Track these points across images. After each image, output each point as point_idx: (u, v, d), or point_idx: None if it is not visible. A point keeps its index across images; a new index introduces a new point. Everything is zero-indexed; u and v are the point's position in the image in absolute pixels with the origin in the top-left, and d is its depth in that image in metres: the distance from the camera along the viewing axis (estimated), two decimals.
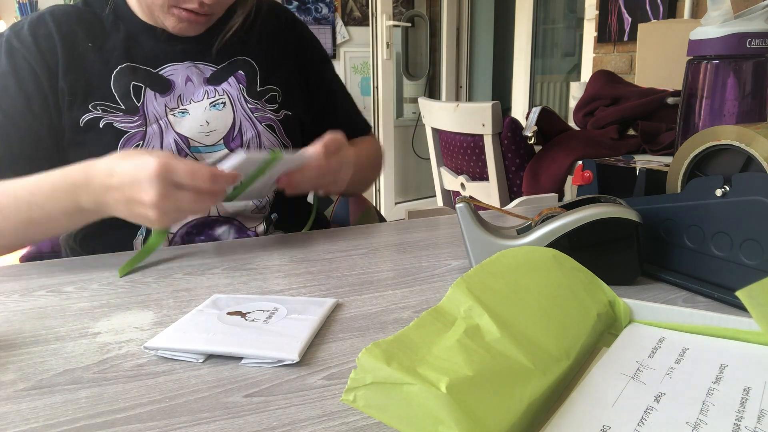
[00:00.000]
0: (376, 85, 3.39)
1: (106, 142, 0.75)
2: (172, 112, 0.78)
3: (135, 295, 0.54)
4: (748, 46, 0.61)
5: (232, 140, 0.80)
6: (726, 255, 0.50)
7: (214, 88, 0.81)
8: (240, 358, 0.40)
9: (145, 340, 0.43)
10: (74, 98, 0.75)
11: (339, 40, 3.68)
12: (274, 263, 0.63)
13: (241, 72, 0.83)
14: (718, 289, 0.50)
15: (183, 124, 0.78)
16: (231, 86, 0.82)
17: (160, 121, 0.77)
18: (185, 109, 0.79)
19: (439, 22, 3.91)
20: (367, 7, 3.53)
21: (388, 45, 3.31)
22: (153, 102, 0.77)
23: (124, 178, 0.58)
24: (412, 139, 3.89)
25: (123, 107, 0.76)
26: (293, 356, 0.40)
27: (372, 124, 3.44)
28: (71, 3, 0.82)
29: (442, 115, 1.97)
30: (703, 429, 0.28)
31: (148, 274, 0.60)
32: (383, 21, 3.30)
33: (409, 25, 3.89)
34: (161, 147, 0.76)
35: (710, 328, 0.38)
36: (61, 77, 0.75)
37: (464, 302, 0.34)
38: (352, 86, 3.67)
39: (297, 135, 0.88)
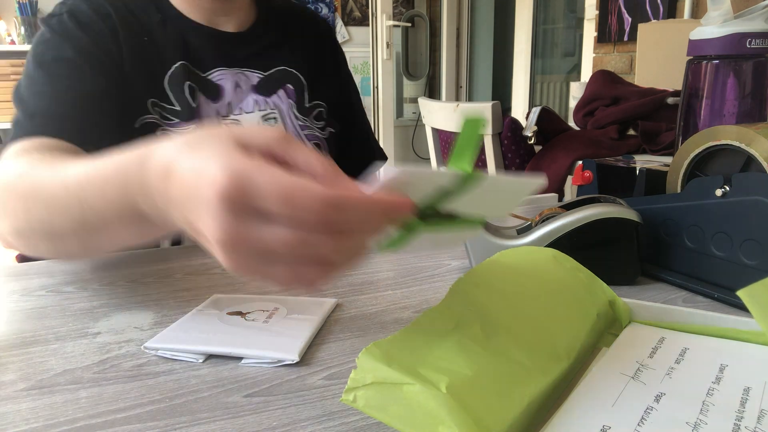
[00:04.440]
0: (376, 85, 3.39)
1: None
2: (224, 122, 0.75)
3: (135, 295, 0.54)
4: (748, 46, 0.61)
5: None
6: (726, 255, 0.50)
7: (264, 100, 0.78)
8: (240, 358, 0.40)
9: (145, 340, 0.43)
10: (134, 88, 0.70)
11: (339, 40, 3.67)
12: None
13: (290, 86, 0.81)
14: (718, 289, 0.50)
15: None
16: (281, 101, 0.79)
17: None
18: (237, 121, 0.76)
19: (439, 22, 3.91)
20: (367, 7, 3.53)
21: (388, 45, 3.31)
22: (206, 107, 0.74)
23: (182, 189, 0.32)
24: (412, 139, 3.89)
25: (179, 109, 0.72)
26: (293, 356, 0.40)
27: (372, 124, 3.44)
28: None
29: (442, 115, 1.97)
30: (703, 429, 0.28)
31: (148, 274, 0.60)
32: (383, 21, 3.30)
33: (409, 25, 3.89)
34: None
35: (710, 328, 0.38)
36: (125, 60, 0.70)
37: (464, 302, 0.34)
38: None
39: (335, 155, 0.85)
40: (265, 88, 0.79)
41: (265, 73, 0.80)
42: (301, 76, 0.82)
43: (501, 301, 0.34)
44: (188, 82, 0.73)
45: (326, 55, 0.88)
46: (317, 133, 0.81)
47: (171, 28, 0.75)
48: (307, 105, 0.82)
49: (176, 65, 0.73)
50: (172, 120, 0.72)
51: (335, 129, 0.85)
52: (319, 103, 0.83)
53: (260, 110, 0.77)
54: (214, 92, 0.75)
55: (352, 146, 0.92)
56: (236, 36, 0.80)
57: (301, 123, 0.80)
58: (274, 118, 0.78)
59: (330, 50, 0.89)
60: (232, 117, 0.76)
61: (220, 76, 0.77)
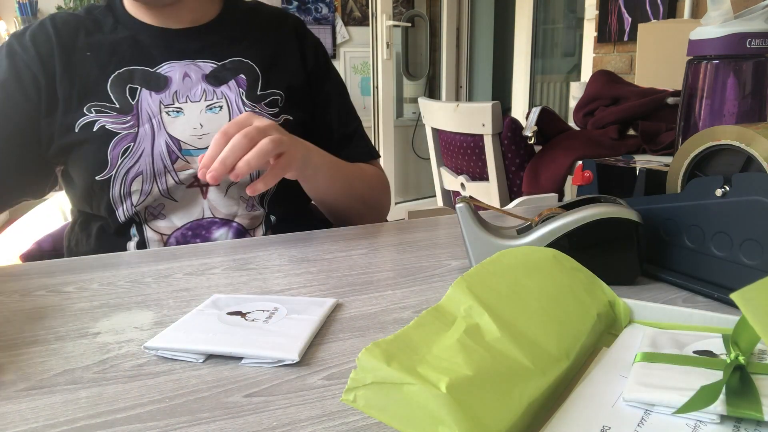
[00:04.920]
0: (376, 85, 3.39)
1: (97, 145, 0.75)
2: (166, 110, 0.78)
3: (135, 295, 0.54)
4: (748, 46, 0.61)
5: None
6: (726, 255, 0.50)
7: (213, 90, 0.81)
8: (240, 358, 0.40)
9: (145, 340, 0.43)
10: (69, 104, 0.77)
11: (339, 40, 3.68)
12: (274, 263, 0.63)
13: (242, 76, 0.83)
14: (718, 289, 0.50)
15: (176, 125, 0.78)
16: (230, 90, 0.82)
17: (153, 120, 0.77)
18: (180, 108, 0.79)
19: (439, 22, 3.92)
20: (367, 7, 3.54)
21: (388, 45, 3.31)
22: (148, 100, 0.78)
23: None
24: (412, 139, 3.89)
25: (117, 106, 0.77)
26: (293, 356, 0.40)
27: (372, 124, 3.44)
28: (73, 11, 0.85)
29: (442, 115, 1.97)
30: (702, 429, 0.28)
31: (147, 274, 0.60)
32: (383, 21, 3.30)
33: (409, 25, 3.89)
34: (152, 148, 0.77)
35: (710, 328, 0.38)
36: (58, 83, 0.77)
37: (464, 302, 0.34)
38: (352, 86, 3.67)
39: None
40: (216, 79, 0.82)
41: (220, 63, 0.83)
42: (255, 66, 0.85)
43: (501, 301, 0.34)
44: (129, 84, 0.79)
45: (290, 47, 0.90)
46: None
47: (123, 32, 0.82)
48: (259, 93, 0.84)
49: (119, 71, 0.79)
50: (110, 113, 0.77)
51: (294, 117, 0.86)
52: (274, 92, 0.85)
53: (207, 100, 0.81)
54: (161, 84, 0.80)
55: (332, 136, 0.92)
56: (186, 31, 0.84)
57: (249, 109, 0.82)
58: (220, 107, 0.81)
59: (298, 44, 0.91)
60: (176, 105, 0.79)
61: (169, 68, 0.81)
